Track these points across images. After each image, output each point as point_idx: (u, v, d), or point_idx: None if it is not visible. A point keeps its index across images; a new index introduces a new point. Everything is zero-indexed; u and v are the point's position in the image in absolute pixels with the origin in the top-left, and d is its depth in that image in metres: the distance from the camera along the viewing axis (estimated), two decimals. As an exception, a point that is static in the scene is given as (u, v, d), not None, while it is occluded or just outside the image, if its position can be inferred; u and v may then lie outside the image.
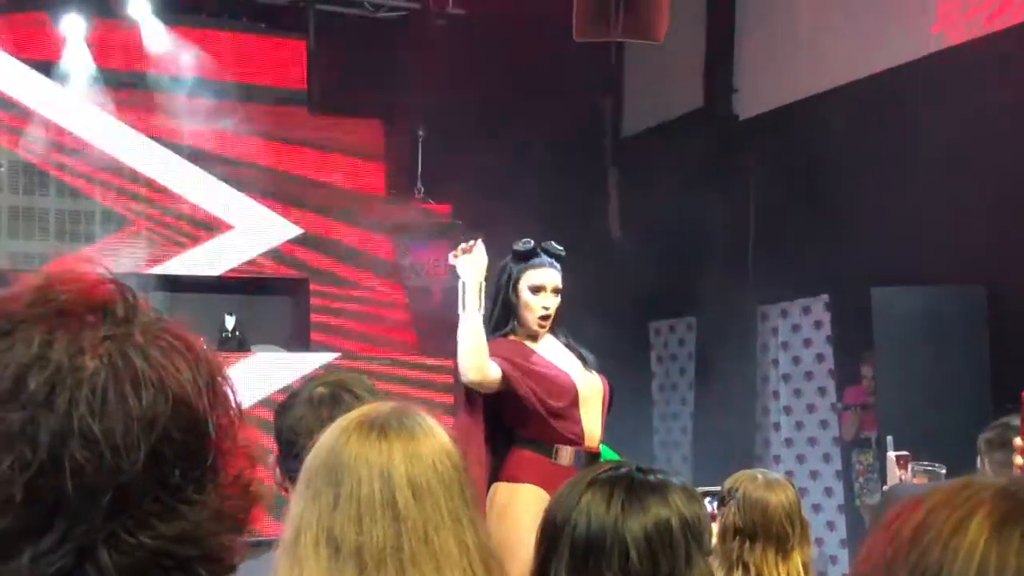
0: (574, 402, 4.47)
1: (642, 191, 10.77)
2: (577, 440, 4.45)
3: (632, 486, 1.97)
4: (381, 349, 10.14)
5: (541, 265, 4.66)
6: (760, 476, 3.38)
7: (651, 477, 2.00)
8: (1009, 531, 0.83)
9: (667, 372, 11.09)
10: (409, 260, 10.63)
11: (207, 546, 0.97)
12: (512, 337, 4.61)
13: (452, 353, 4.62)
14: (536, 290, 4.62)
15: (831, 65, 9.03)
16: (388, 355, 9.99)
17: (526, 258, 4.66)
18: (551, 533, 1.97)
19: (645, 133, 11.00)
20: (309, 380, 2.79)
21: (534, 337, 4.63)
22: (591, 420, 4.53)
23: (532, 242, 4.67)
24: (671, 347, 11.06)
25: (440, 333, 10.40)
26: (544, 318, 4.61)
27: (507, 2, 9.98)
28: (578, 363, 4.64)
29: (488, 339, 4.47)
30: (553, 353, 4.62)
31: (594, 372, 4.66)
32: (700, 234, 9.68)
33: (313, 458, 1.80)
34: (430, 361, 9.93)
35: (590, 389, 4.58)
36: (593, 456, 4.47)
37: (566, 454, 4.41)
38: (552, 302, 4.63)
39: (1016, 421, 2.78)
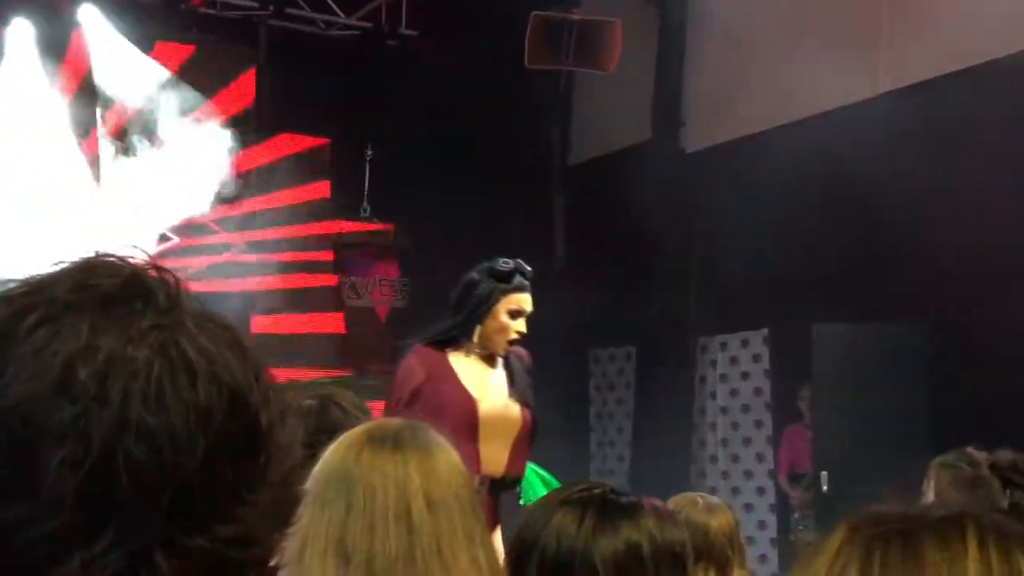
0: (467, 426, 4.39)
1: (587, 219, 10.81)
2: (472, 466, 4.43)
3: (604, 508, 1.93)
4: (318, 369, 10.05)
5: (524, 289, 4.65)
6: (700, 500, 3.43)
7: (624, 499, 1.97)
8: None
9: (605, 400, 11.10)
10: (351, 280, 10.57)
11: (259, 548, 0.92)
12: (449, 351, 4.58)
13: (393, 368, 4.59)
14: (515, 315, 4.60)
15: (778, 102, 9.13)
16: (327, 375, 9.91)
17: (508, 279, 4.62)
18: (519, 552, 1.93)
19: (592, 162, 11.05)
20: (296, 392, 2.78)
21: (486, 356, 4.60)
22: (493, 448, 4.48)
23: (512, 263, 4.68)
24: (610, 376, 11.08)
25: (379, 353, 10.40)
26: (512, 342, 4.60)
27: (460, 26, 10.01)
28: (504, 390, 4.61)
29: (422, 341, 4.47)
30: (479, 375, 4.58)
31: (516, 403, 4.63)
32: (643, 264, 9.73)
33: (321, 470, 1.78)
34: (368, 381, 9.85)
35: (498, 417, 4.52)
36: (500, 481, 4.46)
37: None
38: (524, 327, 4.63)
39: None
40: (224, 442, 0.89)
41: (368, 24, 10.64)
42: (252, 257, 10.27)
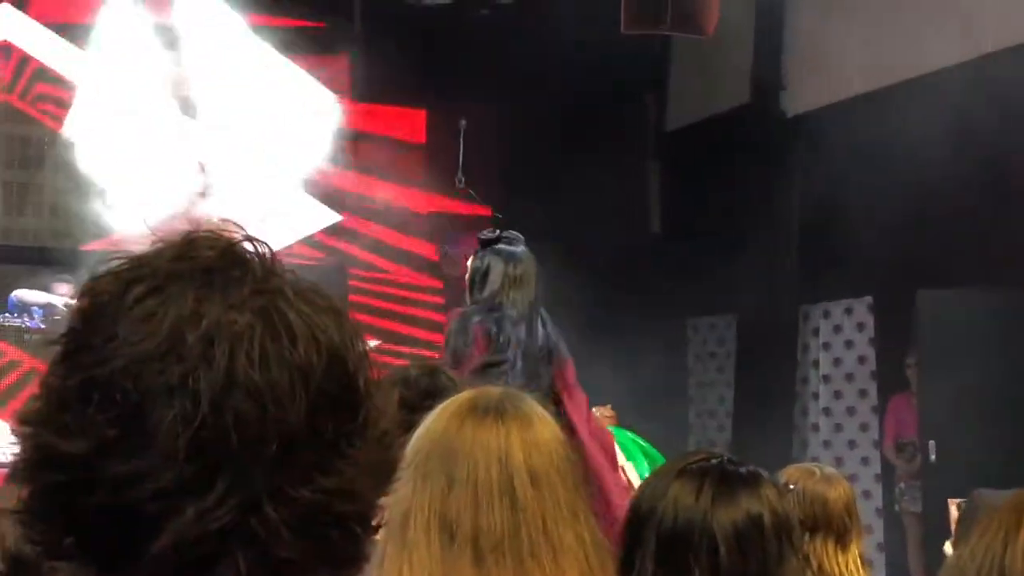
0: None
1: (684, 186, 10.68)
2: None
3: (723, 478, 1.91)
4: (417, 330, 10.09)
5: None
6: (817, 471, 3.42)
7: (742, 469, 1.94)
8: None
9: (705, 369, 10.99)
10: (447, 250, 10.58)
11: (361, 502, 0.97)
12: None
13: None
14: None
15: (882, 63, 8.89)
16: (426, 339, 9.94)
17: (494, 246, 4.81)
18: (636, 522, 1.91)
19: (690, 128, 10.90)
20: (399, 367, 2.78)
21: None
22: None
23: (496, 232, 4.92)
24: (710, 345, 10.96)
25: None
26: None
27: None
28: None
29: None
30: None
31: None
32: (743, 231, 9.58)
33: (422, 439, 1.74)
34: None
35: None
36: None
37: None
38: None
39: None
40: (323, 399, 0.94)
41: (462, -7, 10.58)
42: (349, 225, 10.34)
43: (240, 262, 0.98)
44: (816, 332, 9.90)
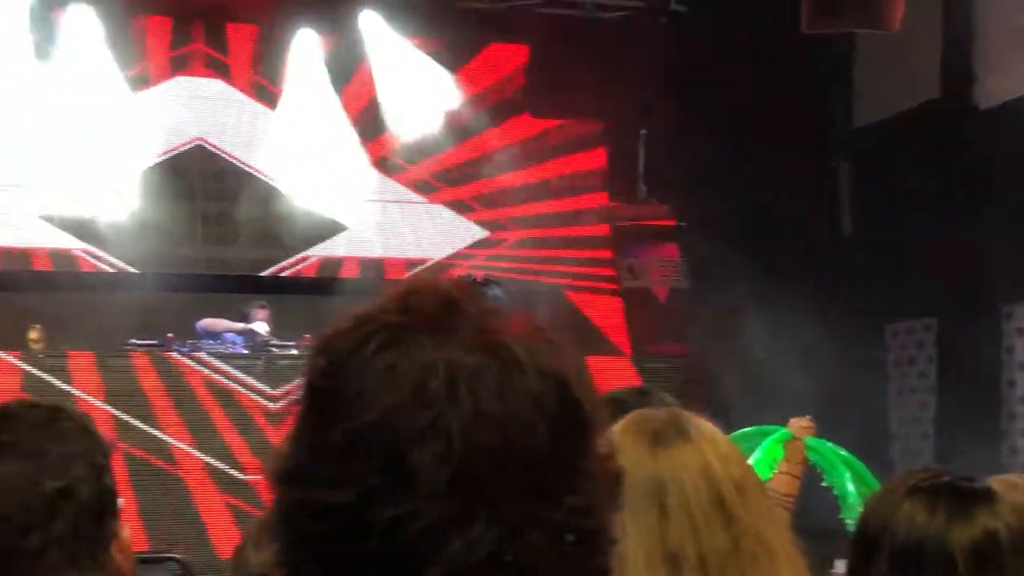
0: None
1: (875, 185, 10.39)
2: None
3: (956, 495, 1.88)
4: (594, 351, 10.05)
5: None
6: (1022, 481, 3.21)
7: (976, 485, 1.90)
8: None
9: (905, 375, 10.64)
10: (629, 262, 10.54)
11: (600, 517, 1.02)
12: None
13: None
14: None
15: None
16: (601, 355, 9.91)
17: None
18: (866, 540, 1.89)
19: (878, 125, 10.59)
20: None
21: None
22: None
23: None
24: (909, 349, 10.60)
25: (656, 335, 10.33)
26: None
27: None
28: None
29: None
30: None
31: None
32: (938, 230, 9.25)
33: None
34: (646, 363, 9.82)
35: None
36: None
37: None
38: None
39: None
40: (558, 423, 1.00)
41: (639, 3, 10.53)
42: (530, 238, 10.40)
43: (460, 307, 1.03)
44: (1021, 332, 9.49)
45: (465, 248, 10.44)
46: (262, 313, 9.46)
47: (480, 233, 10.48)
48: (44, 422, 1.76)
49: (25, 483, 1.69)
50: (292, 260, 10.09)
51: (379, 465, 0.97)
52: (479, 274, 4.81)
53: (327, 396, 1.01)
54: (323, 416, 1.01)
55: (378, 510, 0.96)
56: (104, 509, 1.74)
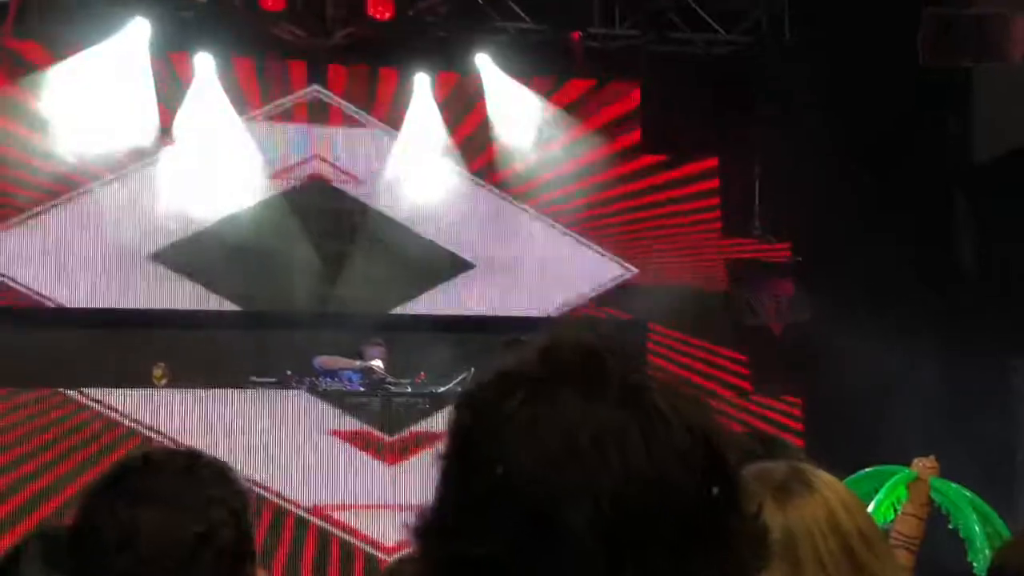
0: None
1: (995, 218, 10.15)
2: None
3: None
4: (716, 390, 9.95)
5: None
6: None
7: None
8: None
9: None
10: (747, 299, 10.44)
11: (748, 573, 1.02)
12: None
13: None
14: None
15: None
16: (722, 393, 9.82)
17: None
18: None
19: (998, 158, 10.36)
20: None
21: None
22: None
23: None
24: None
25: (777, 374, 10.19)
26: None
27: (842, 29, 9.68)
28: None
29: None
30: None
31: None
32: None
33: None
34: (767, 401, 9.70)
35: None
36: None
37: None
38: None
39: None
40: (705, 480, 1.00)
41: (748, 37, 10.49)
42: (646, 281, 10.36)
43: (602, 362, 1.03)
44: None
45: (594, 289, 10.38)
46: (378, 350, 9.58)
47: (613, 271, 10.43)
48: (184, 468, 1.82)
49: (168, 528, 1.74)
50: (414, 299, 10.14)
51: (525, 520, 0.97)
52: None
53: (471, 449, 1.02)
54: (467, 469, 1.01)
55: (523, 564, 0.97)
56: (243, 554, 1.79)
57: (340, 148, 10.20)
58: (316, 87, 10.15)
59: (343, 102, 10.20)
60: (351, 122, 10.23)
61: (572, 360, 1.03)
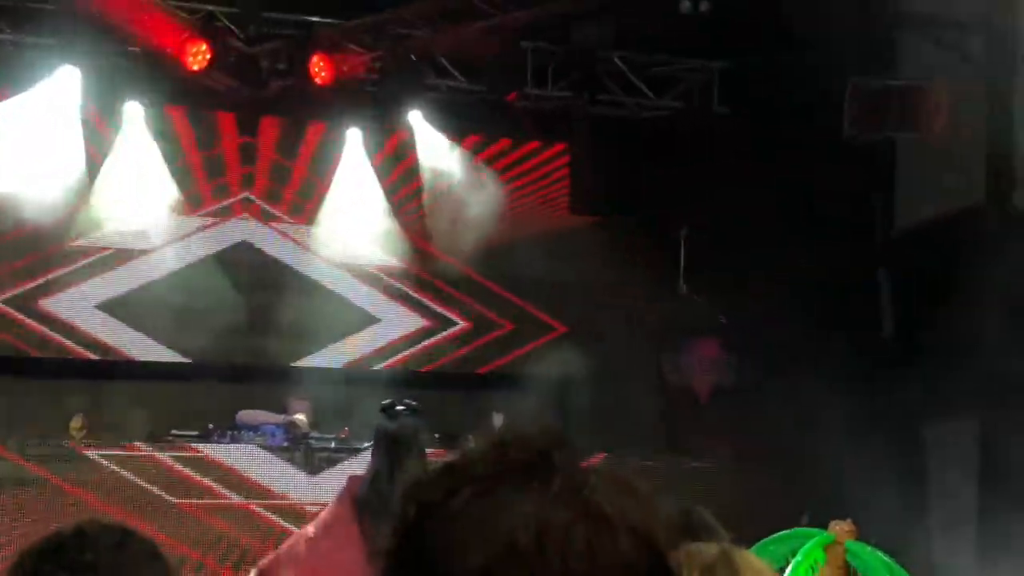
0: None
1: (919, 290, 10.35)
2: None
3: None
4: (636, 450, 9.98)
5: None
6: None
7: None
8: None
9: (944, 478, 10.46)
10: (671, 360, 10.51)
11: None
12: None
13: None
14: None
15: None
16: (641, 451, 9.84)
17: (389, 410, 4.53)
18: None
19: (920, 229, 10.58)
20: None
21: None
22: None
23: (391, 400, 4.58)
24: (949, 450, 10.45)
25: (699, 434, 10.24)
26: None
27: (771, 100, 9.88)
28: None
29: None
30: None
31: None
32: (981, 335, 9.17)
33: None
34: (685, 463, 9.75)
35: None
36: None
37: None
38: None
39: None
40: None
41: (679, 104, 10.66)
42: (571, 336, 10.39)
43: (549, 459, 1.04)
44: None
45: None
46: (302, 405, 9.50)
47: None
48: (117, 544, 1.87)
49: None
50: (328, 351, 10.12)
51: None
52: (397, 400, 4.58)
53: (415, 546, 1.02)
54: (411, 566, 1.01)
55: None
56: None
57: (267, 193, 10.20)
58: (248, 138, 10.12)
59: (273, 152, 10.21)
60: (279, 171, 10.23)
61: (520, 459, 1.03)
